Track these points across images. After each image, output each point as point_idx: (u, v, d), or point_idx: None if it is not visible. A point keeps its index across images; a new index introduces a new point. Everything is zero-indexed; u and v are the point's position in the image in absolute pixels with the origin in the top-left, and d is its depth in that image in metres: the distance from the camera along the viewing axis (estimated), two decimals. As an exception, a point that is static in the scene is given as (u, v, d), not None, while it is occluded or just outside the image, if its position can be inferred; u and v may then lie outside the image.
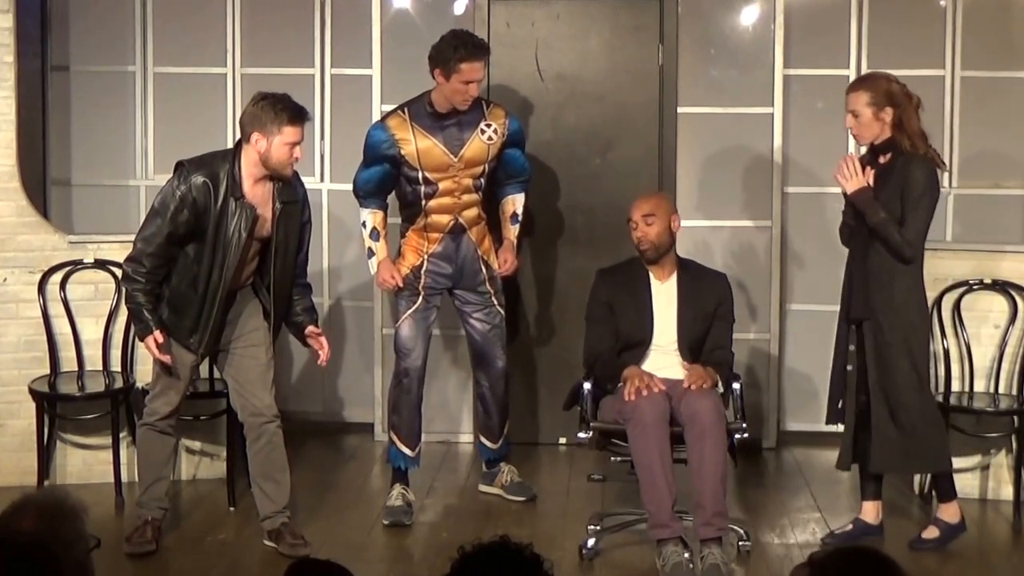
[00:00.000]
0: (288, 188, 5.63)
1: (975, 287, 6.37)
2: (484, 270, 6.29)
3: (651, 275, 5.84)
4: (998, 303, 6.39)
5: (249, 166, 5.54)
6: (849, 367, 5.78)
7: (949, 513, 5.83)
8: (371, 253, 6.25)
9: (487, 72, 6.31)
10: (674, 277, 5.85)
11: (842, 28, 7.21)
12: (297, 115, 5.52)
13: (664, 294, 5.83)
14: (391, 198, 6.34)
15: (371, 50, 7.22)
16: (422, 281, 6.20)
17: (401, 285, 6.19)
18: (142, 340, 5.62)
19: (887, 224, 5.59)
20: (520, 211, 6.43)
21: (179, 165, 5.59)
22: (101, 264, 6.50)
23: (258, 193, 5.57)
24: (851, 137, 6.96)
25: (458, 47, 5.99)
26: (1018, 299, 6.35)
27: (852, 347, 5.76)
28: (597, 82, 7.21)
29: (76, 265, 6.53)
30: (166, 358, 5.56)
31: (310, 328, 5.78)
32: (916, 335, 5.71)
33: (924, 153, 5.66)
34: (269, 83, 7.23)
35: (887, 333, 5.65)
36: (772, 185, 7.16)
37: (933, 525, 5.84)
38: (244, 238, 5.50)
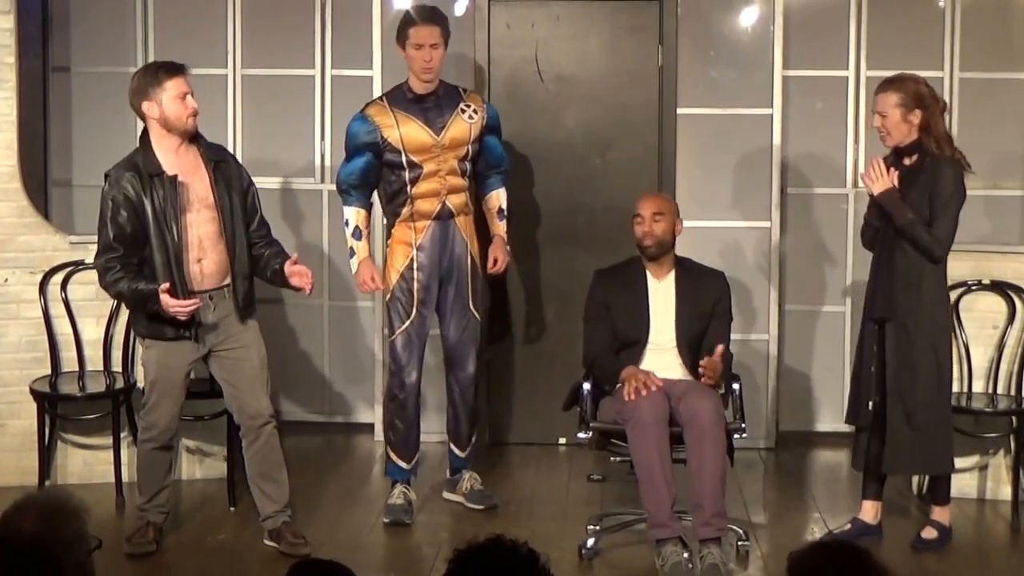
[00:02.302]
0: (213, 149, 5.66)
1: (974, 288, 6.38)
2: (470, 267, 6.28)
3: (648, 273, 5.86)
4: (997, 304, 6.40)
5: (158, 139, 5.56)
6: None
7: (945, 515, 5.85)
8: (352, 252, 6.21)
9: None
10: (671, 276, 5.87)
11: (841, 29, 7.23)
12: (172, 67, 5.59)
13: (661, 292, 5.84)
14: (376, 208, 6.33)
15: (371, 51, 7.23)
16: (415, 286, 6.17)
17: (380, 287, 6.18)
18: (158, 312, 5.42)
19: (915, 225, 5.61)
20: (505, 206, 6.42)
21: (106, 175, 5.62)
22: (101, 265, 6.51)
23: (185, 163, 5.58)
24: (848, 138, 7.00)
25: (406, 15, 6.20)
26: (1016, 300, 6.37)
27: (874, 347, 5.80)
28: (597, 83, 7.22)
29: (77, 266, 6.54)
30: (189, 303, 5.42)
31: (288, 264, 5.65)
32: (942, 336, 5.74)
33: (951, 155, 5.68)
34: (269, 84, 7.29)
35: (913, 333, 5.66)
36: (771, 186, 7.16)
37: (931, 526, 5.86)
38: (177, 209, 5.47)
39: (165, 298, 5.40)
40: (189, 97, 5.54)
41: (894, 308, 5.68)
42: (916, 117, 5.66)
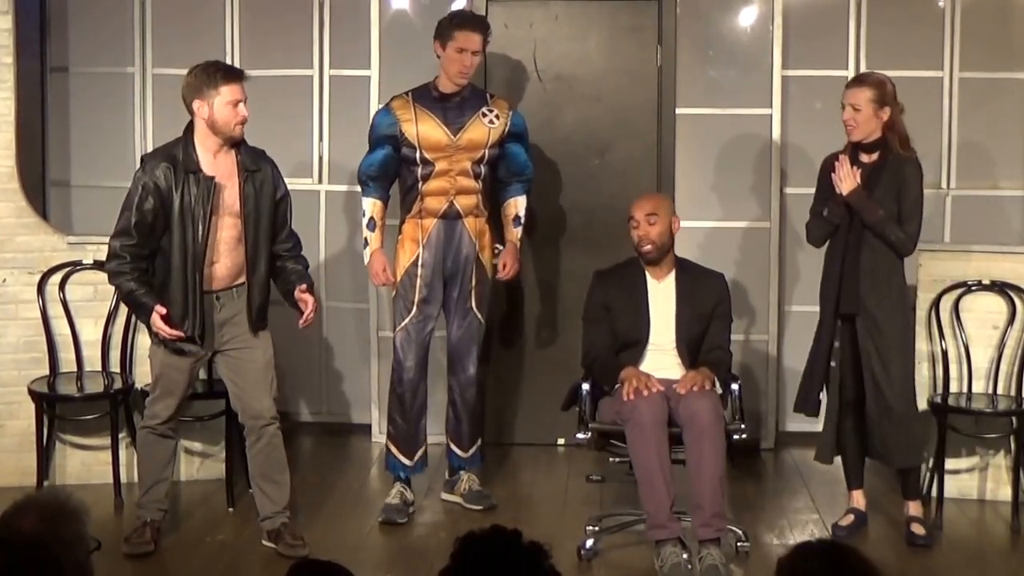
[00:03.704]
0: (252, 158, 5.64)
1: (973, 288, 6.38)
2: (475, 269, 6.28)
3: (648, 274, 5.85)
4: (996, 304, 6.40)
5: (202, 138, 5.56)
6: (832, 363, 5.93)
7: (919, 509, 5.97)
8: (366, 243, 6.25)
9: (484, 58, 6.34)
10: (671, 276, 5.86)
11: (840, 29, 7.22)
12: (231, 72, 5.59)
13: (661, 293, 5.84)
14: (394, 201, 6.33)
15: (370, 51, 7.22)
16: (418, 283, 6.19)
17: (392, 280, 6.21)
18: (148, 324, 5.52)
19: (885, 222, 5.74)
20: (522, 214, 6.43)
21: (142, 159, 5.66)
22: (100, 265, 6.46)
23: (222, 165, 5.57)
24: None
25: (455, 17, 6.24)
26: (1016, 300, 6.36)
27: (836, 343, 5.92)
28: (595, 83, 7.22)
29: (75, 266, 6.54)
30: (177, 332, 5.50)
31: (298, 291, 5.67)
32: (910, 331, 5.94)
33: (913, 155, 5.84)
34: (268, 84, 7.27)
35: (884, 327, 5.78)
36: (770, 186, 7.17)
37: (917, 523, 5.93)
38: (208, 210, 5.48)
39: (155, 318, 5.46)
40: (241, 105, 5.53)
41: (862, 304, 5.79)
42: (885, 114, 5.80)
